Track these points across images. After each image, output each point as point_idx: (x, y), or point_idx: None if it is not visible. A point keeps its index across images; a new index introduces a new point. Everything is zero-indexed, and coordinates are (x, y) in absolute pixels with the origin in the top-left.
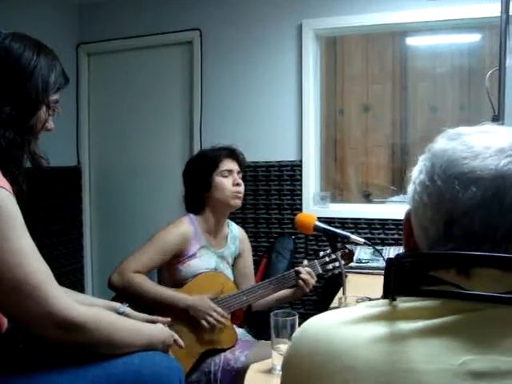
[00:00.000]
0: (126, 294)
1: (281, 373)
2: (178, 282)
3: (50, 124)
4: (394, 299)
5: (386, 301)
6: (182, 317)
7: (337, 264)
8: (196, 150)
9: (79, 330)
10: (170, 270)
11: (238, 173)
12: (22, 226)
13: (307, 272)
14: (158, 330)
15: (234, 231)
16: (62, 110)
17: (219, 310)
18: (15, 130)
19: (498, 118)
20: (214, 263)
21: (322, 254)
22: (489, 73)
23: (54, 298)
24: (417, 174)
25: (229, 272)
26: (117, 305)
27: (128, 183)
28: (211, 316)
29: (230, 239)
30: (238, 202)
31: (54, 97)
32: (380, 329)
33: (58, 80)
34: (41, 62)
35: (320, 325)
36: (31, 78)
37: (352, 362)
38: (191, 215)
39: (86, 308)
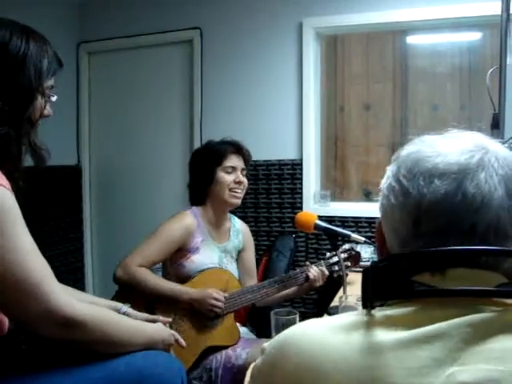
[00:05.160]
0: (130, 288)
1: (250, 382)
2: (182, 279)
3: (48, 110)
4: (372, 307)
5: (364, 310)
6: (185, 313)
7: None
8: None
9: (78, 327)
10: (173, 266)
11: (243, 170)
12: (22, 224)
13: (316, 271)
14: (158, 329)
15: (237, 225)
16: (57, 96)
17: (220, 296)
18: (10, 124)
19: (498, 116)
20: (217, 258)
21: (328, 255)
22: (489, 71)
23: (53, 295)
24: (384, 180)
25: (233, 266)
26: (118, 305)
27: (128, 181)
28: (216, 306)
29: (233, 233)
30: (236, 201)
31: (49, 83)
32: (360, 340)
33: (51, 65)
34: (31, 48)
35: (300, 337)
36: (23, 67)
37: (337, 376)
38: (194, 208)
39: (86, 306)
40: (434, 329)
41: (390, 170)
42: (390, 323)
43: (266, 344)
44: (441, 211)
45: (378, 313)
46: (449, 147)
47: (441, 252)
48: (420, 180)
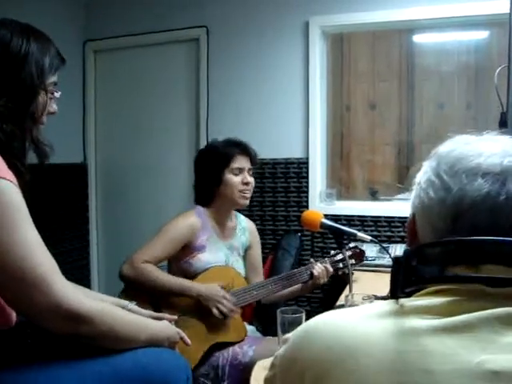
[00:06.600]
0: (137, 285)
1: (271, 371)
2: (188, 277)
3: (53, 107)
4: (403, 296)
5: (393, 300)
6: (193, 309)
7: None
8: (202, 147)
9: (85, 321)
10: (179, 264)
11: (249, 170)
12: (28, 219)
13: (321, 268)
14: (163, 326)
15: (243, 223)
16: (61, 92)
17: (230, 297)
18: (14, 121)
19: (506, 115)
20: (223, 256)
21: (332, 252)
22: (497, 70)
23: (60, 289)
24: (421, 174)
25: (240, 264)
26: (124, 302)
27: (134, 180)
28: (222, 304)
29: (240, 230)
30: (245, 202)
31: (52, 79)
32: (392, 325)
33: (53, 62)
34: (32, 47)
35: (330, 322)
36: (24, 65)
37: (366, 360)
38: (199, 207)
39: (92, 301)
40: (463, 319)
41: (428, 165)
42: (421, 312)
43: (290, 334)
44: (483, 209)
45: (408, 303)
46: (489, 149)
47: (477, 241)
48: (462, 177)
